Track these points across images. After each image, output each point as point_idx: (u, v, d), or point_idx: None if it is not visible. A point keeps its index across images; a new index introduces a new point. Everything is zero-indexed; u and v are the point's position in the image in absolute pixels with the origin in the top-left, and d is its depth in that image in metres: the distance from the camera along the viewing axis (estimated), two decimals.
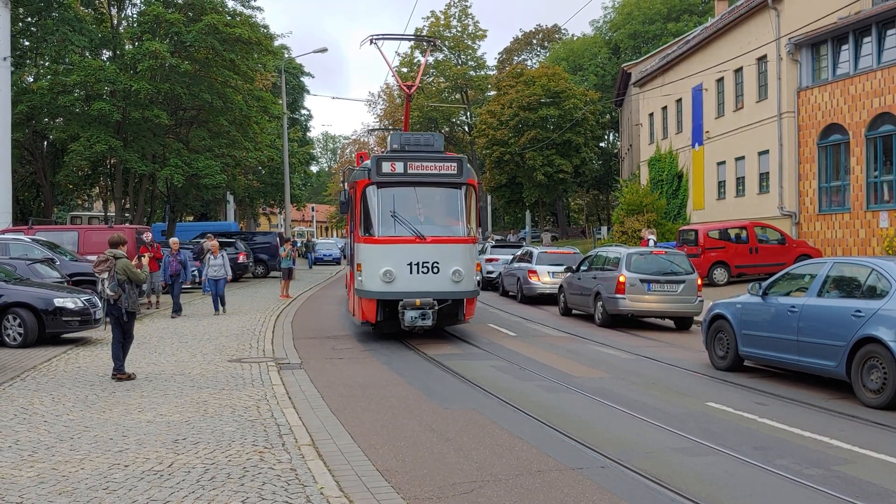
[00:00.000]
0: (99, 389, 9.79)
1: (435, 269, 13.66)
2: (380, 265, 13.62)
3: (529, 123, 54.16)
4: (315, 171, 76.92)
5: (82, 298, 13.89)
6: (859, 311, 9.44)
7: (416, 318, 13.60)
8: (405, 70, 52.40)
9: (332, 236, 76.76)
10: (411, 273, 13.60)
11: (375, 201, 13.95)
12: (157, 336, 14.91)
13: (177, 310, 18.60)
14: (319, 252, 49.34)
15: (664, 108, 38.31)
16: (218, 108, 30.58)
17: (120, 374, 10.44)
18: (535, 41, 75.12)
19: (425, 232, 13.80)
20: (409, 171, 13.97)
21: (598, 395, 9.94)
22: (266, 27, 36.60)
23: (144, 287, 12.30)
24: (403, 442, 7.68)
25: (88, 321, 13.86)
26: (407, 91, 18.43)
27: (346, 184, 15.56)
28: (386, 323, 14.28)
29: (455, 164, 14.26)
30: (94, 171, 35.71)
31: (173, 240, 19.75)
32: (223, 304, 19.39)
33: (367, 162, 14.50)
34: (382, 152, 14.64)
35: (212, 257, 19.52)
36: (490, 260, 28.30)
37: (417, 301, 13.59)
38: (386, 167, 13.96)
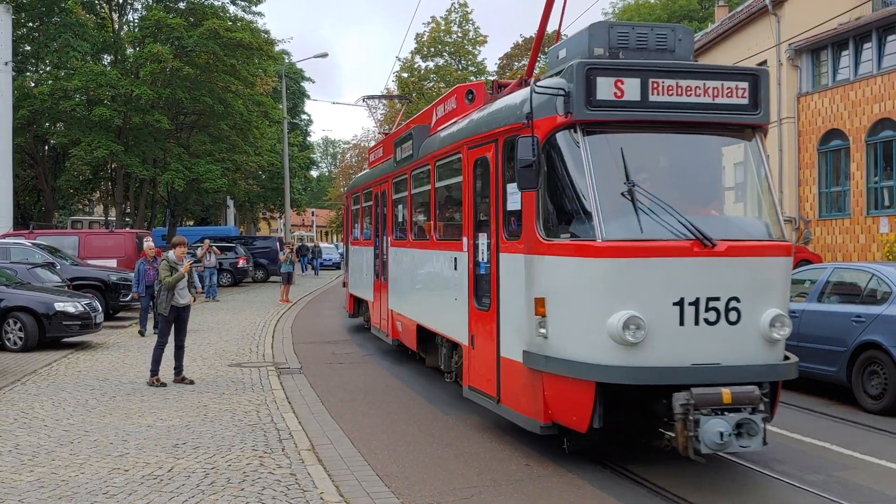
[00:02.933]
0: (99, 394, 9.78)
1: (732, 315, 6.50)
2: (609, 305, 6.39)
3: None
4: (315, 176, 77.07)
5: (83, 302, 13.91)
6: (860, 317, 9.45)
7: (726, 433, 6.09)
8: (405, 75, 52.41)
9: (332, 241, 76.76)
10: (682, 323, 6.41)
11: (587, 162, 6.68)
12: None
13: (152, 325, 13.99)
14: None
15: None
16: (219, 112, 30.65)
17: (153, 376, 10.40)
18: None
19: (710, 230, 6.55)
20: (653, 99, 6.83)
21: None
22: (267, 32, 36.73)
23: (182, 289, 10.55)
24: (403, 447, 7.67)
25: (89, 325, 13.87)
26: None
27: (476, 130, 8.40)
28: (604, 430, 6.72)
29: (746, 87, 7.08)
30: (94, 176, 35.77)
31: (147, 245, 16.25)
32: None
33: (556, 79, 7.01)
34: (591, 58, 7.18)
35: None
36: None
37: (726, 393, 6.24)
38: (605, 88, 6.74)
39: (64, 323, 13.53)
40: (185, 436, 7.71)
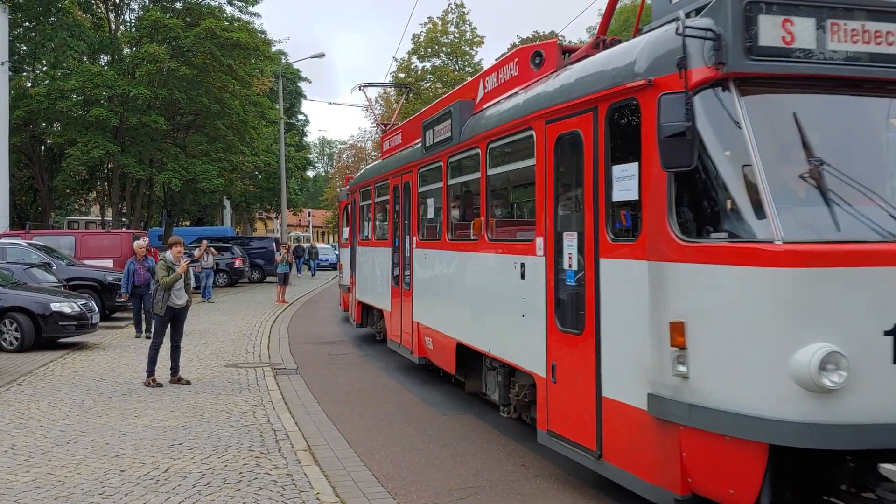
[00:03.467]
0: (95, 394, 9.78)
1: None
2: (796, 335, 4.57)
3: None
4: (311, 176, 77.06)
5: (79, 303, 13.91)
6: None
7: None
8: (402, 76, 52.43)
9: (329, 241, 76.73)
10: None
11: (748, 131, 4.86)
12: None
13: (146, 327, 15.04)
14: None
15: None
16: (215, 112, 30.66)
17: (149, 377, 10.41)
18: None
19: None
20: (833, 47, 5.05)
21: None
22: (264, 32, 36.78)
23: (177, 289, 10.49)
24: (400, 447, 7.68)
25: (85, 325, 13.87)
26: None
27: (558, 98, 6.46)
28: None
29: None
30: (91, 176, 35.77)
31: (138, 243, 15.81)
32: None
33: (701, 19, 5.11)
34: None
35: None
36: None
37: None
38: (770, 30, 4.94)
39: (60, 323, 13.53)
40: (181, 436, 7.71)
